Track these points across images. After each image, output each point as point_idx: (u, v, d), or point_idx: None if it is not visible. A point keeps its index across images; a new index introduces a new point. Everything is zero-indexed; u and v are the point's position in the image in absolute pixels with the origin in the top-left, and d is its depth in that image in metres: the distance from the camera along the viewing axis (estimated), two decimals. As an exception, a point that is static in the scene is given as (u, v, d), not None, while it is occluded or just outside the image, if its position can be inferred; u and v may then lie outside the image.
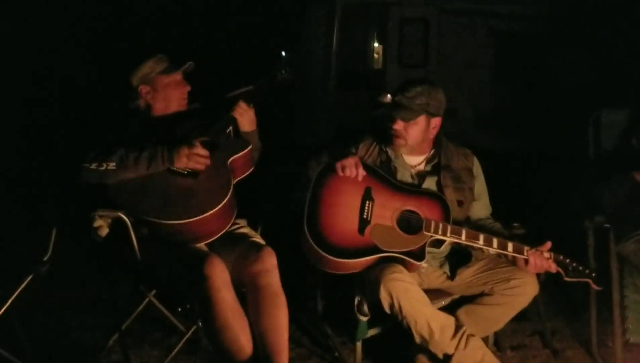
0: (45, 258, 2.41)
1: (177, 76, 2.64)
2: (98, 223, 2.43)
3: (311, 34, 10.53)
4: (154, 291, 2.60)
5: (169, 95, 2.62)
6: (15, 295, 2.32)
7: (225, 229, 2.48)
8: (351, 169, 2.51)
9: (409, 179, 2.66)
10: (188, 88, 2.67)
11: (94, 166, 2.32)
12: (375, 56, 10.89)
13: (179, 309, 2.77)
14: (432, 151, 2.71)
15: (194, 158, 2.39)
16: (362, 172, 2.53)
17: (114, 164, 2.33)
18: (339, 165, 2.52)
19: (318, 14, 10.19)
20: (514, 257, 2.47)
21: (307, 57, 10.64)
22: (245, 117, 2.64)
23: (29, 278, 2.34)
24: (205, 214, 2.35)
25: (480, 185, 2.72)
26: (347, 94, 9.94)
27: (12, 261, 2.49)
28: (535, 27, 9.25)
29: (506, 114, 9.33)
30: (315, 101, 9.76)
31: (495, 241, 2.44)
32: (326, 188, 2.52)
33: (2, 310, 2.29)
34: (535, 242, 2.45)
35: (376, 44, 10.87)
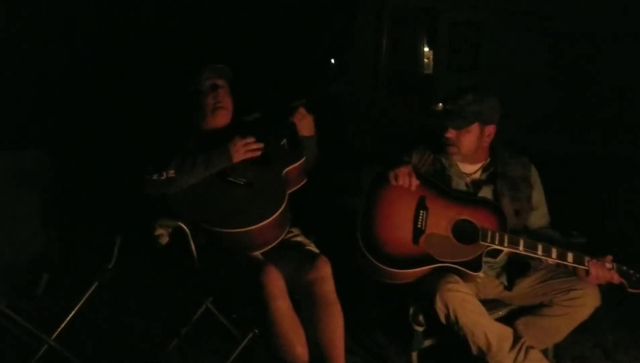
0: (110, 266, 2.50)
1: (207, 83, 2.67)
2: (159, 231, 2.49)
3: (360, 39, 10.56)
4: (210, 298, 2.66)
5: (202, 103, 2.66)
6: (81, 302, 2.41)
7: (281, 238, 2.52)
8: (404, 178, 2.51)
9: (464, 188, 2.63)
10: (218, 94, 2.68)
11: (155, 176, 2.39)
12: (425, 60, 10.83)
13: (234, 316, 2.82)
14: (488, 159, 2.68)
15: (251, 146, 2.45)
16: (415, 181, 2.52)
17: (172, 171, 2.40)
18: (392, 174, 2.52)
19: (367, 19, 10.20)
20: (574, 267, 2.42)
21: (356, 62, 10.67)
22: (304, 122, 2.69)
23: (95, 285, 2.43)
24: (261, 224, 2.39)
25: (538, 194, 2.67)
26: (396, 99, 9.93)
27: (78, 268, 2.59)
28: (589, 29, 9.02)
29: (561, 118, 9.14)
30: (364, 106, 9.77)
31: (554, 251, 2.39)
32: (379, 198, 2.52)
33: (69, 317, 2.38)
34: (596, 251, 2.40)
35: (426, 49, 10.81)
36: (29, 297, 2.38)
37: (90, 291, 2.44)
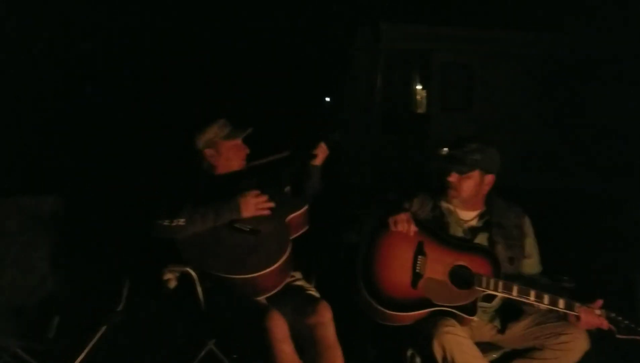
0: (119, 309, 2.58)
1: (238, 141, 2.83)
2: (167, 276, 2.60)
3: (355, 78, 10.77)
4: (214, 340, 2.74)
5: (230, 157, 2.81)
6: (90, 344, 2.48)
7: (284, 283, 2.62)
8: (403, 224, 2.62)
9: (461, 235, 2.75)
10: (247, 151, 2.87)
11: (166, 222, 2.49)
12: (418, 98, 11.05)
13: (235, 356, 2.90)
14: (485, 208, 2.80)
15: (260, 204, 2.55)
16: (413, 228, 2.63)
17: (183, 220, 2.50)
18: (391, 220, 2.64)
19: (361, 59, 10.43)
20: (565, 313, 2.52)
21: (350, 101, 10.87)
22: (322, 156, 2.91)
23: (104, 328, 2.52)
24: (265, 271, 2.50)
25: (530, 243, 2.79)
26: (390, 137, 10.08)
27: (88, 311, 2.67)
28: (581, 69, 9.25)
29: (552, 155, 9.30)
30: (359, 144, 9.92)
31: (546, 297, 2.50)
32: (380, 242, 2.63)
33: (79, 358, 2.46)
34: (586, 295, 2.50)
35: (419, 87, 11.03)
36: (41, 339, 2.46)
37: (99, 334, 2.51)
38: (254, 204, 2.57)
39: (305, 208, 2.76)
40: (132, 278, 2.64)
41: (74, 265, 2.92)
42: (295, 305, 2.60)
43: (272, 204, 2.62)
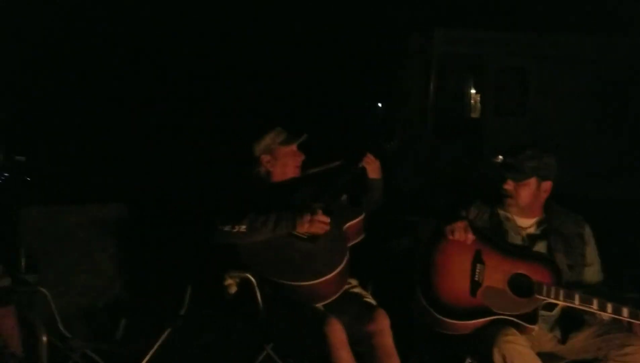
0: (182, 312, 2.67)
1: (294, 147, 2.88)
2: (228, 281, 2.67)
3: (407, 83, 10.73)
4: (271, 345, 2.80)
5: (287, 163, 2.86)
6: (155, 346, 2.58)
7: (342, 291, 2.65)
8: (460, 232, 2.61)
9: (520, 242, 2.71)
10: (302, 157, 2.91)
11: (227, 228, 2.56)
12: (472, 102, 10.91)
13: (291, 361, 2.94)
14: (543, 215, 2.76)
15: (315, 224, 2.58)
16: (471, 236, 2.62)
17: (244, 227, 2.56)
18: (448, 229, 2.63)
19: (414, 64, 10.38)
20: (629, 323, 2.46)
21: (403, 106, 10.83)
22: (372, 166, 2.91)
23: (168, 331, 2.60)
24: (323, 278, 2.53)
25: (591, 252, 2.73)
26: (443, 142, 9.99)
27: (152, 314, 2.77)
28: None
29: (616, 164, 9.02)
30: (411, 149, 9.87)
31: (609, 306, 2.44)
32: (437, 251, 2.63)
33: (145, 360, 2.55)
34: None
35: (473, 92, 10.89)
36: (109, 341, 2.56)
37: (163, 337, 2.60)
38: (309, 222, 2.59)
39: (362, 216, 2.79)
40: (194, 283, 2.71)
41: (139, 269, 3.03)
42: (353, 312, 2.62)
43: (327, 227, 2.60)
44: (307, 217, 2.57)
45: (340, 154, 3.02)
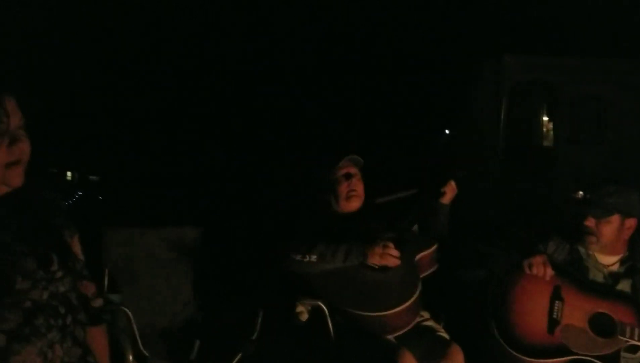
0: (253, 337, 2.70)
1: (342, 172, 2.84)
2: (299, 309, 2.68)
3: (478, 110, 10.59)
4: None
5: (353, 191, 2.84)
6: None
7: (414, 323, 2.62)
8: (539, 267, 2.54)
9: (601, 280, 2.62)
10: (352, 182, 2.84)
11: (298, 257, 2.59)
12: (544, 130, 10.63)
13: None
14: (627, 252, 2.66)
15: (386, 256, 2.57)
16: (550, 271, 2.54)
17: (315, 256, 2.58)
18: (526, 263, 2.56)
19: (485, 91, 10.25)
20: None
21: (472, 133, 10.68)
22: (451, 195, 2.90)
23: (239, 356, 2.64)
24: (395, 309, 2.51)
25: (681, 293, 2.60)
26: (515, 170, 9.77)
27: (225, 337, 2.82)
28: None
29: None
30: (482, 177, 9.69)
31: (700, 352, 2.31)
32: (514, 285, 2.57)
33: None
34: None
35: (545, 119, 10.62)
36: (185, 361, 2.63)
37: (235, 361, 2.64)
38: (380, 254, 2.58)
39: (435, 247, 2.75)
40: (266, 308, 2.75)
41: (213, 292, 3.10)
42: (426, 346, 2.58)
43: (397, 261, 2.59)
44: (379, 250, 2.56)
45: (407, 182, 3.01)
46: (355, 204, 2.86)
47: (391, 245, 2.58)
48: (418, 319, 2.70)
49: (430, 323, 2.76)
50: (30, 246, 1.40)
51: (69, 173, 26.77)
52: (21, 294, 1.35)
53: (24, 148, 1.39)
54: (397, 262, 2.57)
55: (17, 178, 1.39)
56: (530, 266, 2.55)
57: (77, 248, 1.57)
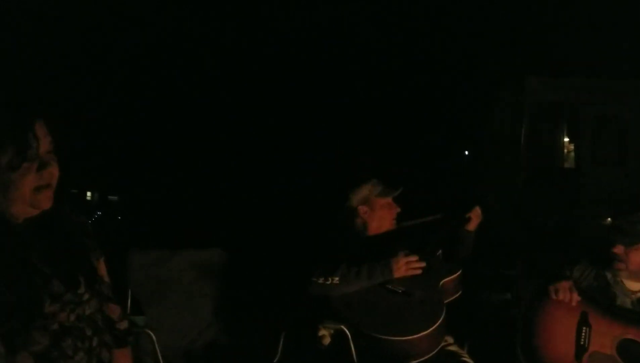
0: (275, 360, 2.68)
1: (390, 199, 2.89)
2: (322, 332, 2.67)
3: (498, 131, 10.56)
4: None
5: (383, 216, 2.87)
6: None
7: (438, 349, 2.58)
8: (565, 293, 2.50)
9: (629, 306, 2.57)
10: (398, 209, 2.91)
11: (321, 280, 2.58)
12: (566, 152, 10.57)
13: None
14: (656, 279, 2.61)
15: (411, 264, 2.57)
16: (576, 297, 2.50)
17: (337, 279, 2.57)
18: (552, 288, 2.53)
19: (505, 112, 10.23)
20: None
21: (493, 155, 10.63)
22: (476, 221, 2.88)
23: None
24: (419, 334, 2.48)
25: None
26: (535, 191, 9.70)
27: (247, 360, 2.80)
28: None
29: None
30: (502, 198, 9.63)
31: None
32: (540, 311, 2.52)
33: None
34: None
35: (566, 140, 10.56)
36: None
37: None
38: (405, 265, 2.58)
39: (459, 272, 2.74)
40: (288, 332, 2.73)
41: (236, 315, 3.10)
42: (449, 371, 2.55)
43: (423, 264, 2.61)
44: (403, 261, 2.56)
45: (429, 204, 3.00)
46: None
47: (414, 256, 2.57)
48: (442, 344, 2.67)
49: (454, 348, 2.73)
50: (58, 268, 1.41)
51: (88, 193, 27.07)
52: (49, 317, 1.36)
53: (54, 172, 1.41)
54: (422, 265, 2.60)
55: (46, 201, 1.41)
56: (556, 292, 2.51)
57: (103, 270, 1.58)
